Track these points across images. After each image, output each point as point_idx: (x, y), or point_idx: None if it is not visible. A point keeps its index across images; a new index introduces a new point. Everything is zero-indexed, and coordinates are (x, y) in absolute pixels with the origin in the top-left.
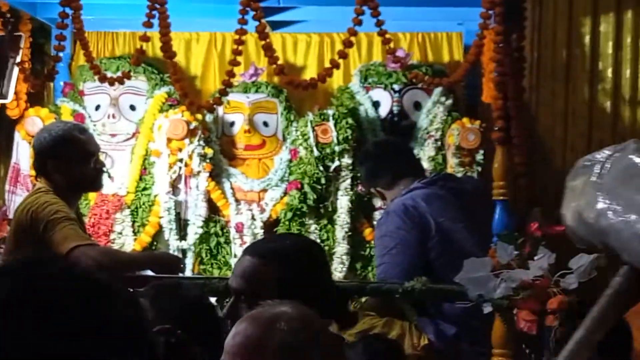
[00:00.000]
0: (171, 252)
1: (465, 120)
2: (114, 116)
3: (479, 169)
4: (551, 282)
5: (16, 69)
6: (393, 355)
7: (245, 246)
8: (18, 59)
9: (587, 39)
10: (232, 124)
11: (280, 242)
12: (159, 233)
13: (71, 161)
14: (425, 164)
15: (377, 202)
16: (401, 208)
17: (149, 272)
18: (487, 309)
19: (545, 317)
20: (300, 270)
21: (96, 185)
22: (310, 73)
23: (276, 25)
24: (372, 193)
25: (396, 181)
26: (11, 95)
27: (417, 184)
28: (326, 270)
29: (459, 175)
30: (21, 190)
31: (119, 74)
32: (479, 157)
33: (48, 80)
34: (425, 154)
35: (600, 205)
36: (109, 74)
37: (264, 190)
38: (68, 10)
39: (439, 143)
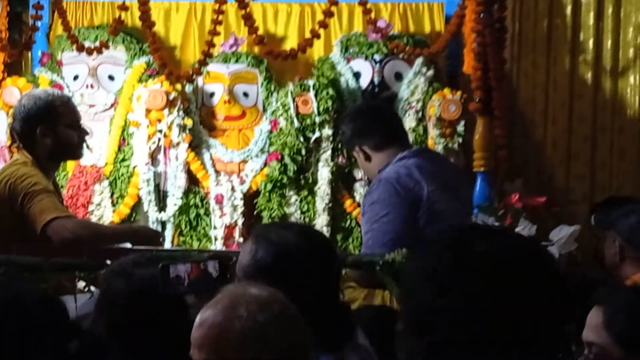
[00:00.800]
0: (150, 223)
1: (446, 91)
2: (92, 86)
3: (460, 140)
4: None
5: None
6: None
7: (224, 217)
8: None
9: (568, 9)
10: (211, 94)
11: (284, 231)
12: (138, 205)
13: (60, 126)
14: None
15: (358, 174)
16: (394, 176)
17: (128, 245)
18: None
19: None
20: (296, 263)
21: (78, 154)
22: (291, 43)
23: None
24: (354, 152)
25: (385, 144)
26: None
27: (406, 153)
28: (327, 272)
29: (439, 147)
30: None
31: (97, 43)
32: (460, 128)
33: (25, 49)
34: (406, 125)
35: None
36: (87, 44)
37: (244, 162)
38: None
39: (420, 114)
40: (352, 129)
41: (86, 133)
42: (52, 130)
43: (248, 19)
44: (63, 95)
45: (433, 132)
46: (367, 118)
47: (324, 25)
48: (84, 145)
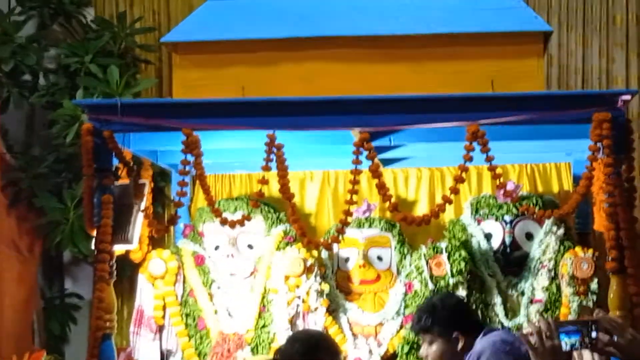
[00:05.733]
0: None
1: (578, 249)
2: (232, 255)
3: (594, 298)
4: None
5: (141, 215)
6: None
7: None
8: (142, 206)
9: None
10: (346, 259)
11: None
12: None
13: None
14: (540, 294)
15: None
16: (502, 346)
17: None
18: None
19: None
20: None
21: None
22: (421, 206)
23: (387, 162)
24: (439, 342)
25: (479, 327)
26: (136, 241)
27: (495, 331)
28: None
29: (574, 304)
30: (145, 331)
31: (239, 215)
32: (594, 286)
33: (171, 224)
34: (539, 284)
35: None
36: (228, 216)
37: (381, 324)
38: (190, 157)
39: (553, 273)
40: (446, 317)
41: None
42: None
43: (382, 188)
44: (325, 339)
45: (566, 290)
46: (456, 305)
47: (455, 191)
48: None
